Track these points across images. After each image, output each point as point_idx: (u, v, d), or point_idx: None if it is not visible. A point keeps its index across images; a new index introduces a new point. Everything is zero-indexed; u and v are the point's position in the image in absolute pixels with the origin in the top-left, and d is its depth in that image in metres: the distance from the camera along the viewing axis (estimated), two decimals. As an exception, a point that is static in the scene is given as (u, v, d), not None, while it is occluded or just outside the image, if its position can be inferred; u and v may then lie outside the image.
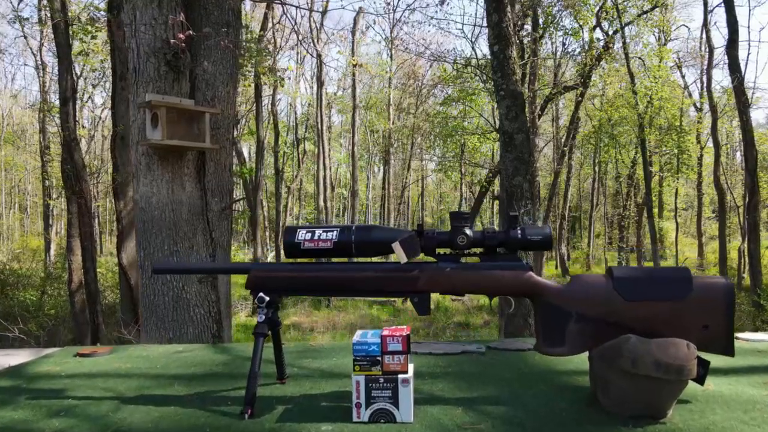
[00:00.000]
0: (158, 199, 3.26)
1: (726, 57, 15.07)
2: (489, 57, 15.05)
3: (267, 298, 1.29)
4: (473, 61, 14.25)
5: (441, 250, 1.29)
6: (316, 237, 1.27)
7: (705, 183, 20.35)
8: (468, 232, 1.25)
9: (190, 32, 3.09)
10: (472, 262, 1.29)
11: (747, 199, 12.66)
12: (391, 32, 22.51)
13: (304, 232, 1.28)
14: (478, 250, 1.30)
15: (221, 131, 3.58)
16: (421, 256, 1.26)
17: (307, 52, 16.00)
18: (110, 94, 10.69)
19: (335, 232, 1.27)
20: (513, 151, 6.95)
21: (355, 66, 16.18)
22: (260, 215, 22.47)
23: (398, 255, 1.21)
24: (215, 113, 3.41)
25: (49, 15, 10.49)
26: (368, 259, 1.31)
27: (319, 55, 17.27)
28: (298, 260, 1.34)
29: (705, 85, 16.57)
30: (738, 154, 27.92)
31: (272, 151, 18.16)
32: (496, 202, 21.15)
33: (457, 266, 1.29)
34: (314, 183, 23.64)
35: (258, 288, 1.30)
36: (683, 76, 19.78)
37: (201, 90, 3.48)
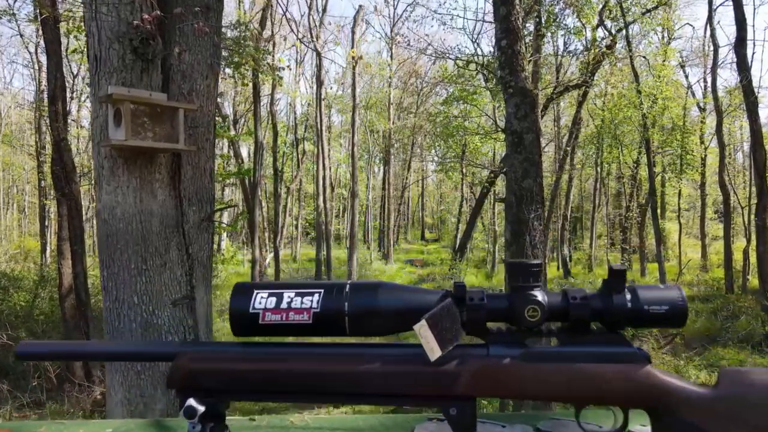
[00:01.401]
0: (124, 210, 2.73)
1: (731, 56, 14.54)
2: (492, 55, 14.52)
3: (202, 409, 0.75)
4: (476, 59, 13.75)
5: (494, 325, 0.76)
6: (284, 304, 0.73)
7: (708, 183, 19.86)
8: (540, 296, 0.73)
9: (158, 12, 2.57)
10: (549, 348, 0.76)
11: (756, 201, 12.16)
12: (391, 31, 21.98)
13: (265, 295, 0.73)
14: (556, 324, 0.77)
15: (200, 130, 3.05)
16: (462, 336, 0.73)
17: (300, 41, 15.45)
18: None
19: (317, 295, 0.73)
20: (522, 152, 6.43)
21: (354, 58, 15.62)
22: (259, 216, 21.96)
23: (426, 344, 0.67)
24: (191, 109, 2.89)
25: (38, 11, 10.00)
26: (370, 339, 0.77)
27: (318, 54, 16.75)
28: (256, 340, 0.80)
29: (710, 84, 16.09)
30: (739, 154, 27.43)
31: (271, 151, 17.65)
32: (498, 204, 20.64)
33: (524, 354, 0.75)
34: (314, 183, 23.14)
35: (189, 387, 0.74)
36: (686, 76, 19.28)
37: (176, 82, 2.96)
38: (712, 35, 16.41)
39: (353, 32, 16.71)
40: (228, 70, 13.75)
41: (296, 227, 25.97)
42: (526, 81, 6.58)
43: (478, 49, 17.02)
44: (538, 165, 6.48)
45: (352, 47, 17.75)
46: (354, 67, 15.82)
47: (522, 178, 6.37)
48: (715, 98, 16.07)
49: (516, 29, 6.67)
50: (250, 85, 14.41)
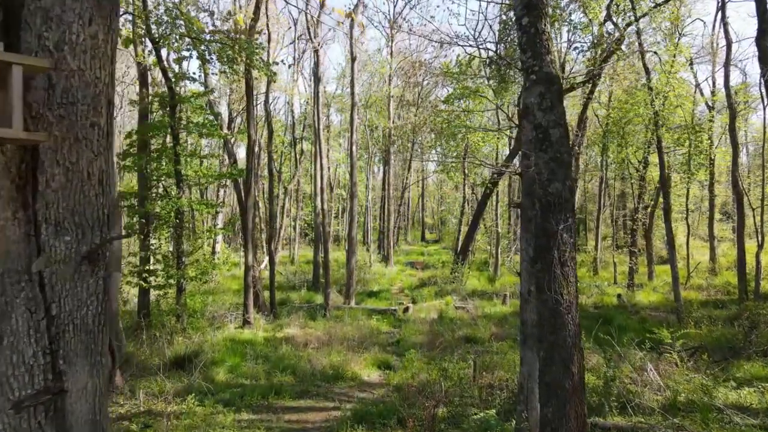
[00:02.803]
0: None
1: (740, 53, 13.22)
2: (496, 42, 13.12)
3: None
4: (479, 49, 12.52)
5: None
6: None
7: (713, 184, 18.59)
8: None
9: None
10: None
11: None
12: (391, 28, 20.67)
13: None
14: None
15: (79, 109, 1.79)
16: None
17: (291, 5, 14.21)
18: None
19: None
20: (549, 150, 5.17)
21: (348, 16, 14.24)
22: (257, 217, 20.68)
23: None
24: (40, 69, 1.63)
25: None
26: None
27: (315, 50, 15.48)
28: None
29: (723, 81, 14.83)
30: (743, 154, 26.15)
31: (266, 150, 16.39)
32: (501, 205, 19.36)
33: None
34: (311, 184, 21.87)
35: None
36: (695, 74, 18.00)
37: (33, 29, 1.71)
38: (725, 30, 15.17)
39: (351, 27, 15.42)
40: (220, 65, 12.52)
41: (294, 228, 24.69)
42: (552, 65, 5.32)
43: (481, 48, 15.76)
44: (568, 165, 5.23)
45: (351, 43, 16.47)
46: (351, 28, 14.42)
47: (548, 181, 5.11)
48: (728, 95, 14.83)
49: (539, 4, 5.42)
50: (243, 81, 13.17)
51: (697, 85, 17.92)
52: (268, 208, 15.93)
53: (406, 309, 14.47)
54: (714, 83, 18.06)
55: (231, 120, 18.34)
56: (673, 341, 9.32)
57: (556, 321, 4.89)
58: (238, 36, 11.59)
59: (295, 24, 18.69)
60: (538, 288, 4.97)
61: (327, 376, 9.71)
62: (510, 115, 21.32)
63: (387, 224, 23.10)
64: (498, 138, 17.09)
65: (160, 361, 9.79)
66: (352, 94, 15.25)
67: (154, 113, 12.77)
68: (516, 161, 17.17)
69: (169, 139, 12.49)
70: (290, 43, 20.78)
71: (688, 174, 15.17)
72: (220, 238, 18.59)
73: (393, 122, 22.50)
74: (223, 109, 19.38)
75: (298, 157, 21.17)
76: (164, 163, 11.93)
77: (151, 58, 12.29)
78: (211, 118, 13.08)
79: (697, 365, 9.72)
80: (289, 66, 20.23)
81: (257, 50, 12.06)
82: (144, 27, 11.57)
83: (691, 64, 18.47)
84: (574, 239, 5.05)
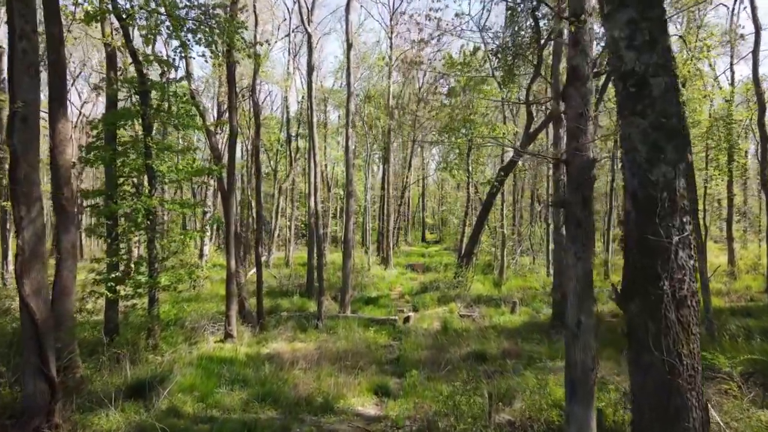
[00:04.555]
0: None
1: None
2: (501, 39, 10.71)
3: None
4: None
5: None
6: None
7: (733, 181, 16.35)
8: None
9: None
10: None
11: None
12: (391, 19, 18.45)
13: None
14: None
15: None
16: None
17: None
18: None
19: None
20: (649, 112, 2.93)
21: (347, 7, 12.04)
22: (250, 218, 18.46)
23: None
24: None
25: None
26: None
27: (309, 37, 13.24)
28: None
29: (752, 69, 12.61)
30: (752, 152, 23.87)
31: (252, 146, 14.14)
32: (507, 205, 17.04)
33: None
34: (305, 181, 19.63)
35: None
36: (712, 66, 15.74)
37: None
38: (754, 15, 12.93)
39: (347, 12, 13.17)
40: (197, 46, 10.31)
41: (290, 229, 22.38)
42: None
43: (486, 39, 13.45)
44: (682, 136, 3.02)
45: (347, 33, 14.23)
46: (347, 13, 12.21)
47: (649, 163, 2.83)
48: (757, 84, 12.64)
49: None
50: (224, 66, 10.96)
51: (716, 78, 15.73)
52: (256, 208, 13.71)
53: (407, 319, 12.27)
54: (733, 75, 15.90)
55: (220, 114, 16.19)
56: (732, 368, 7.15)
57: (671, 400, 2.66)
58: (215, 11, 9.39)
59: (290, 14, 16.60)
60: (636, 342, 2.75)
61: (314, 406, 7.51)
62: (514, 111, 19.08)
63: (386, 225, 20.88)
64: (504, 134, 14.92)
65: (118, 387, 7.53)
66: (348, 84, 13.05)
67: (132, 101, 10.57)
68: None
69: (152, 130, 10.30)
70: (285, 36, 18.62)
71: (722, 172, 12.96)
72: (208, 240, 16.36)
73: (393, 118, 20.23)
74: (213, 104, 17.20)
75: (293, 154, 18.98)
76: (133, 157, 9.72)
77: (119, 38, 10.10)
78: (190, 107, 10.84)
79: (755, 397, 7.47)
80: (272, 42, 17.99)
81: (239, 30, 9.87)
82: (109, 1, 9.36)
83: (707, 56, 16.25)
84: (694, 260, 2.84)
